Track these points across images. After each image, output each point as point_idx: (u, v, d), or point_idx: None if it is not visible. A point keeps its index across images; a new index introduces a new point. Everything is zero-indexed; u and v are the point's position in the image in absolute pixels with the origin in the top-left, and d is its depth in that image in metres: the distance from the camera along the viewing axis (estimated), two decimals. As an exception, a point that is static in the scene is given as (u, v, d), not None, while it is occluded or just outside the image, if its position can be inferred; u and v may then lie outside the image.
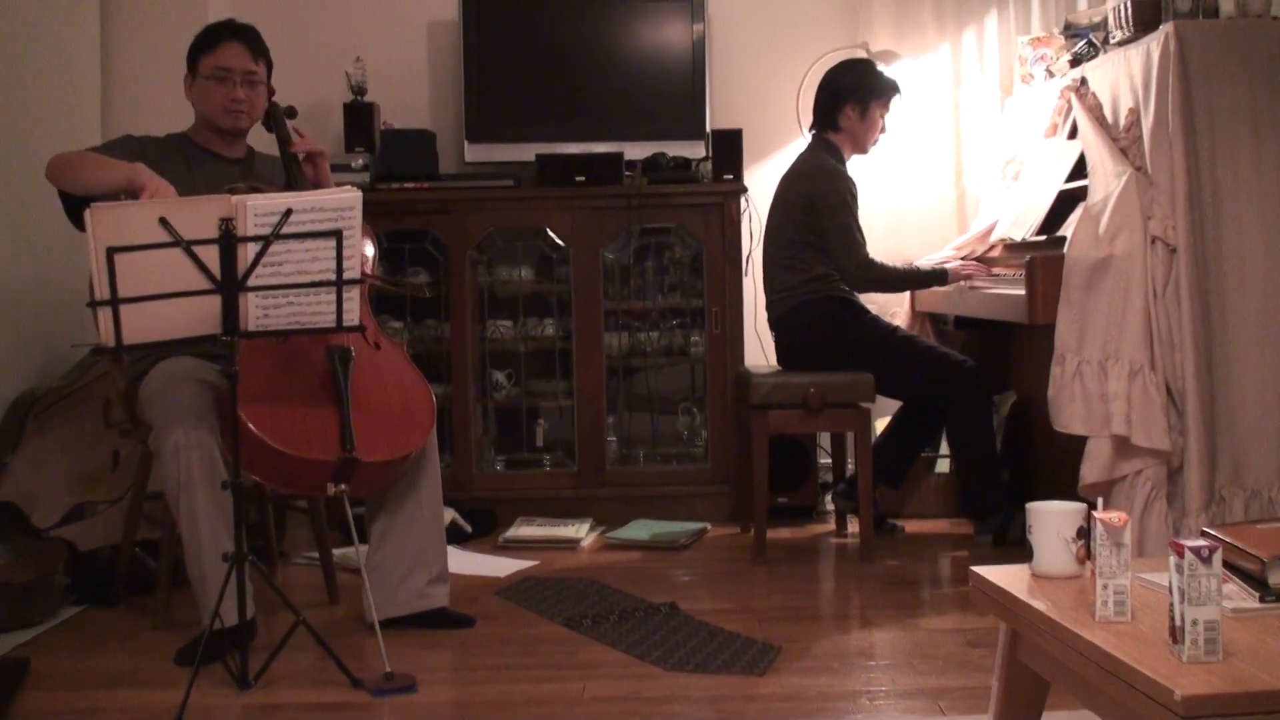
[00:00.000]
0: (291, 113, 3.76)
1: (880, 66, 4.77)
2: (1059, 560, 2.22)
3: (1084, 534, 2.21)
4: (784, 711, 2.85)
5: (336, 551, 3.99)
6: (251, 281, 2.92)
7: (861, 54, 4.97)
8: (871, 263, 4.38)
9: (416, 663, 3.17)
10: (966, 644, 3.28)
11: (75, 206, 3.39)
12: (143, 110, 4.59)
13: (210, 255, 2.88)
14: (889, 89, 4.58)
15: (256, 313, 2.97)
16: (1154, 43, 3.63)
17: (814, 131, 4.63)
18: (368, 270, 3.50)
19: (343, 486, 3.15)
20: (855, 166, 4.66)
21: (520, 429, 5.10)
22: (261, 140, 3.83)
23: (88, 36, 4.70)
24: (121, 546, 3.81)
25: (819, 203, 4.40)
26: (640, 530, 4.62)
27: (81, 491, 4.03)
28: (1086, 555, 2.20)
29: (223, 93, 3.61)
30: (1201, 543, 1.78)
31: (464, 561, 4.22)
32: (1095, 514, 2.04)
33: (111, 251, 2.78)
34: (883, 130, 4.62)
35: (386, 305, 4.94)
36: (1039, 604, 2.09)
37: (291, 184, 3.62)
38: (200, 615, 3.22)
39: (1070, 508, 2.23)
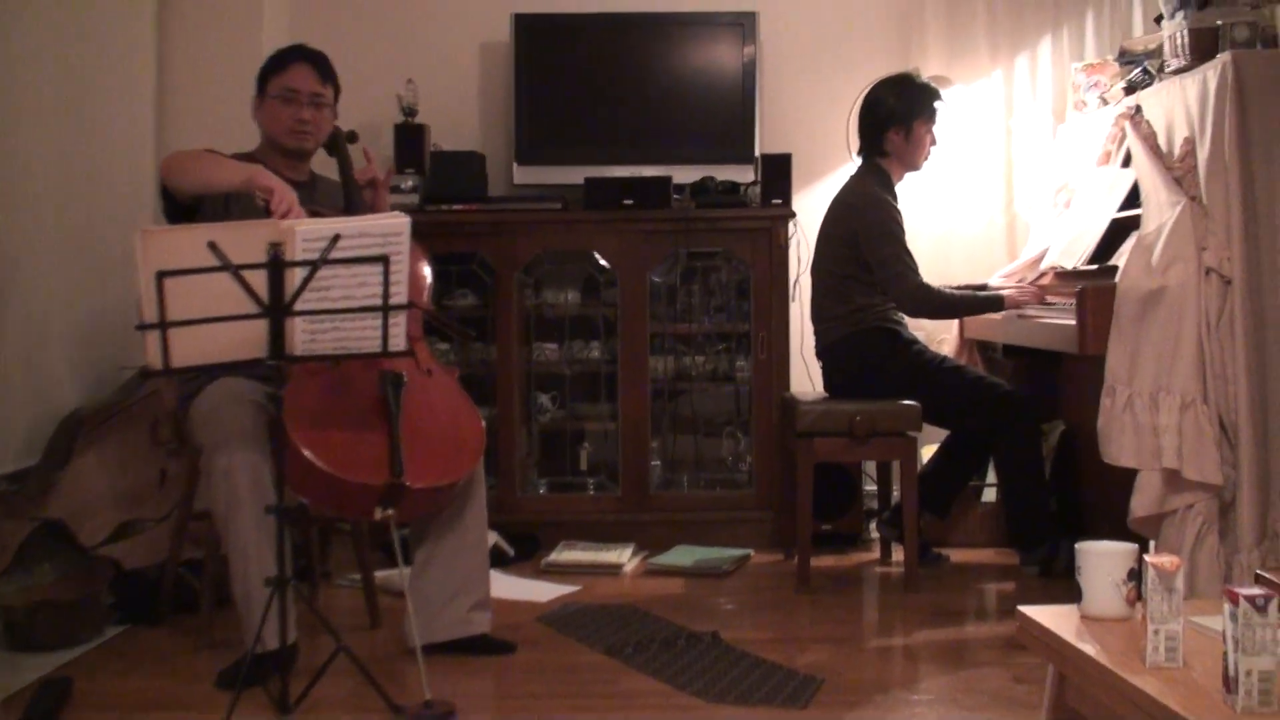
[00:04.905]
0: (353, 137, 3.78)
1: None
2: (1109, 602, 2.19)
3: (1134, 575, 2.17)
4: (826, 747, 2.82)
5: (379, 574, 3.99)
6: (298, 306, 2.92)
7: (909, 77, 4.92)
8: (927, 288, 4.32)
9: (457, 689, 3.16)
10: (1013, 680, 3.23)
11: (178, 212, 3.46)
12: (197, 129, 4.61)
13: (258, 279, 2.89)
14: (929, 103, 4.48)
15: (303, 337, 2.97)
16: (1211, 72, 3.57)
17: (862, 156, 4.59)
18: (424, 292, 3.51)
19: (390, 511, 3.15)
20: (905, 189, 4.62)
21: (564, 452, 5.09)
22: (326, 166, 3.84)
23: (143, 55, 4.73)
24: (166, 565, 3.83)
25: (863, 235, 4.35)
26: (683, 556, 4.60)
27: (128, 509, 4.04)
28: (1137, 597, 2.17)
29: (289, 113, 3.65)
30: (1257, 591, 1.74)
31: (506, 586, 4.21)
32: (1147, 557, 2.00)
33: (161, 275, 2.79)
34: (933, 144, 4.54)
35: (435, 326, 4.93)
36: (1088, 648, 2.06)
37: (351, 209, 3.63)
38: (243, 637, 3.22)
39: (1121, 549, 2.20)
